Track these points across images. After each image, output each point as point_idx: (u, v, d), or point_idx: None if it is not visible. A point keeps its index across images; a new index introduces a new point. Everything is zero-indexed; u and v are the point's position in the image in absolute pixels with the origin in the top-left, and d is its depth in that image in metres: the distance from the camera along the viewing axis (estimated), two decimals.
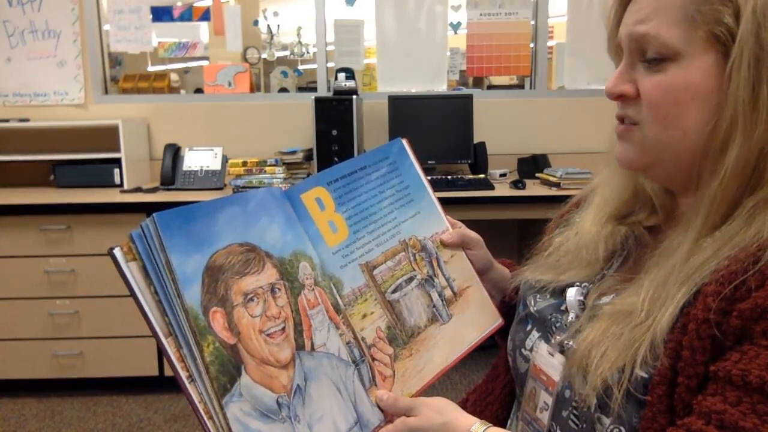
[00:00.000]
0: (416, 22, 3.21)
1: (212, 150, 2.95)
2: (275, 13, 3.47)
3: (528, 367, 0.80)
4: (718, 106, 0.63)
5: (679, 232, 0.68)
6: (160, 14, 3.23)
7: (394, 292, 0.82)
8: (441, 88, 3.25)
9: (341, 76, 2.96)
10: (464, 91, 3.34)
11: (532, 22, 3.22)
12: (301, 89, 3.49)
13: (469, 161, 3.02)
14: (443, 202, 0.92)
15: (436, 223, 0.90)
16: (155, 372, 2.64)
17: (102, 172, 2.91)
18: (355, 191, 0.83)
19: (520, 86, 3.55)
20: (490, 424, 0.69)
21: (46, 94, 3.19)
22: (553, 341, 0.76)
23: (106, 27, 3.23)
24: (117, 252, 0.62)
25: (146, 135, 3.18)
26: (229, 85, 3.24)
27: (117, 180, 2.91)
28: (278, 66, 3.48)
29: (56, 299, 2.61)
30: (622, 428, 0.64)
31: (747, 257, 0.59)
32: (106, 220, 2.57)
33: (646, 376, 0.62)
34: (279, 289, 0.70)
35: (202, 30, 3.30)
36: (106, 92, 3.27)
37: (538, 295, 0.83)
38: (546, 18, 3.21)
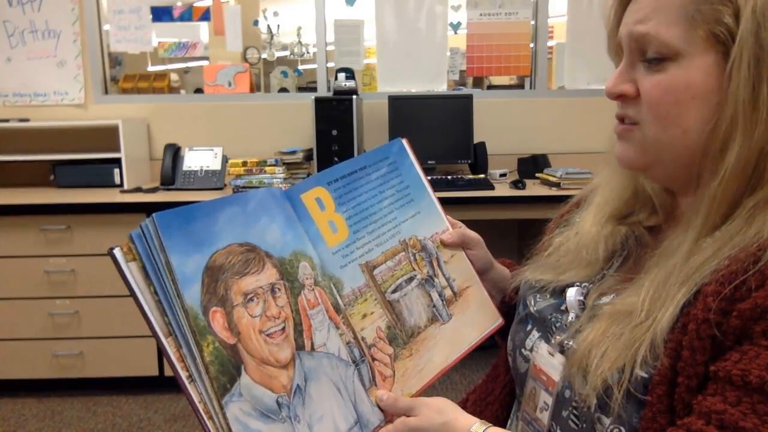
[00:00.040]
0: (416, 22, 3.21)
1: (212, 150, 2.95)
2: (275, 13, 3.47)
3: (528, 367, 0.80)
4: (719, 106, 0.63)
5: (679, 232, 0.68)
6: (160, 14, 3.23)
7: (394, 292, 0.82)
8: (441, 88, 3.25)
9: (341, 76, 2.96)
10: (464, 91, 3.34)
11: (532, 22, 3.23)
12: (301, 89, 3.49)
13: (469, 161, 3.02)
14: (443, 202, 0.92)
15: (436, 223, 0.90)
16: (155, 372, 2.65)
17: (102, 172, 2.91)
18: (355, 191, 0.83)
19: (519, 86, 3.55)
20: (490, 424, 0.69)
21: (46, 94, 3.19)
22: (553, 341, 0.76)
23: (106, 27, 3.23)
24: (117, 252, 0.62)
25: (146, 135, 3.18)
26: (229, 85, 3.24)
27: (117, 180, 2.91)
28: (278, 66, 3.48)
29: (56, 299, 2.61)
30: (622, 428, 0.64)
31: (747, 257, 0.59)
32: (106, 220, 2.57)
33: (646, 376, 0.62)
34: (279, 289, 0.70)
35: (202, 30, 3.30)
36: (106, 92, 3.27)
37: (538, 295, 0.83)
38: (546, 18, 3.21)
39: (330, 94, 2.98)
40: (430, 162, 2.98)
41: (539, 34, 3.23)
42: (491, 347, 0.97)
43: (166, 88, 3.36)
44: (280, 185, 2.68)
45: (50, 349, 2.63)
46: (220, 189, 2.86)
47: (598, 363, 0.64)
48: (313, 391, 0.70)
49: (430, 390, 0.79)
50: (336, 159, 2.83)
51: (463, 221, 0.95)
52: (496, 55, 3.23)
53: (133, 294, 0.62)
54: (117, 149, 2.87)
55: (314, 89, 3.30)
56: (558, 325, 0.77)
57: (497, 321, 0.92)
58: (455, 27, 3.26)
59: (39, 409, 2.60)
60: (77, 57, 3.17)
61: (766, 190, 0.62)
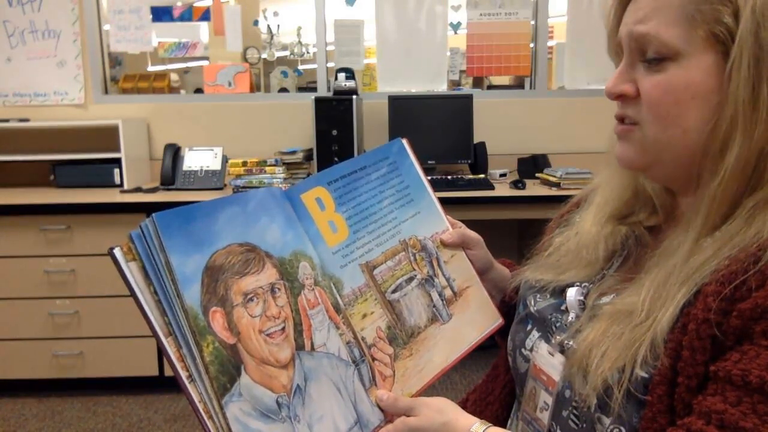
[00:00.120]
0: (416, 22, 3.21)
1: (212, 150, 2.95)
2: (275, 13, 3.47)
3: (528, 367, 0.80)
4: (718, 106, 0.63)
5: (679, 232, 0.68)
6: (160, 14, 3.23)
7: (394, 291, 0.82)
8: (441, 88, 3.25)
9: (341, 76, 2.96)
10: (464, 91, 3.34)
11: (532, 22, 3.23)
12: (301, 89, 3.50)
13: (469, 161, 3.02)
14: (443, 202, 0.92)
15: (436, 222, 0.90)
16: (155, 372, 2.65)
17: (102, 172, 2.91)
18: (355, 191, 0.83)
19: (517, 86, 3.55)
20: (490, 424, 0.69)
21: (46, 94, 3.19)
22: (553, 341, 0.76)
23: (106, 27, 3.23)
24: (117, 252, 0.62)
25: (146, 135, 3.18)
26: (229, 85, 3.24)
27: (117, 180, 2.91)
28: (278, 66, 3.48)
29: (56, 299, 2.61)
30: (622, 428, 0.64)
31: (747, 257, 0.59)
32: (106, 220, 2.57)
33: (646, 376, 0.62)
34: (279, 289, 0.70)
35: (202, 30, 3.30)
36: (106, 92, 3.27)
37: (538, 295, 0.83)
38: (546, 18, 3.21)
39: (330, 94, 2.98)
40: (430, 162, 2.98)
41: (539, 34, 3.23)
42: (491, 347, 0.97)
43: (166, 88, 3.36)
44: (280, 185, 2.68)
45: (50, 349, 2.63)
46: (220, 189, 2.86)
47: (599, 363, 0.64)
48: (313, 391, 0.70)
49: (430, 390, 0.79)
50: (336, 159, 2.83)
51: (463, 221, 0.95)
52: (496, 55, 3.23)
53: (133, 294, 0.62)
54: (117, 149, 2.87)
55: (314, 89, 3.30)
56: (558, 325, 0.77)
57: (497, 321, 0.92)
58: (455, 27, 3.26)
59: (39, 409, 2.60)
60: (77, 57, 3.17)
61: (766, 190, 0.62)
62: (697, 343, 0.59)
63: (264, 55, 3.50)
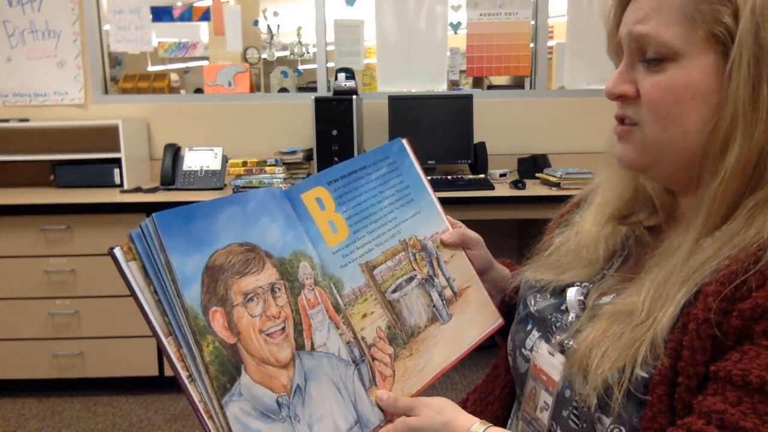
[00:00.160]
0: (416, 22, 3.21)
1: (212, 150, 2.95)
2: (275, 13, 3.47)
3: (528, 366, 0.80)
4: (718, 106, 0.63)
5: (679, 232, 0.68)
6: (160, 14, 3.23)
7: (394, 291, 0.82)
8: (441, 88, 3.25)
9: (341, 76, 2.96)
10: (464, 91, 3.34)
11: (532, 22, 3.23)
12: (301, 89, 3.50)
13: (469, 161, 3.02)
14: (443, 202, 0.92)
15: (436, 222, 0.90)
16: (155, 372, 2.65)
17: (102, 172, 2.91)
18: (356, 191, 0.83)
19: (514, 86, 3.55)
20: (490, 424, 0.69)
21: (46, 94, 3.19)
22: (553, 341, 0.76)
23: (106, 27, 3.23)
24: (117, 251, 0.62)
25: (146, 135, 3.18)
26: (229, 85, 3.24)
27: (117, 180, 2.91)
28: (278, 66, 3.48)
29: (56, 299, 2.61)
30: (622, 428, 0.63)
31: (747, 257, 0.59)
32: (106, 220, 2.57)
33: (646, 375, 0.62)
34: (279, 289, 0.70)
35: (202, 30, 3.30)
36: (106, 92, 3.27)
37: (539, 295, 0.83)
38: (546, 18, 3.21)
39: (330, 94, 2.98)
40: (430, 162, 2.99)
41: (539, 34, 3.23)
42: (491, 347, 0.97)
43: (166, 88, 3.36)
44: (280, 185, 2.68)
45: (50, 349, 2.63)
46: (220, 189, 2.86)
47: (599, 363, 0.64)
48: (313, 390, 0.70)
49: (430, 390, 0.79)
50: (336, 159, 2.83)
51: (463, 221, 0.95)
52: (496, 55, 3.23)
53: (133, 293, 0.62)
54: (117, 149, 2.87)
55: (314, 89, 3.30)
56: (558, 324, 0.77)
57: (497, 321, 0.92)
58: (455, 27, 3.26)
59: (39, 409, 2.60)
60: (77, 57, 3.17)
61: (767, 190, 0.62)
62: (697, 343, 0.59)
63: (264, 55, 3.50)
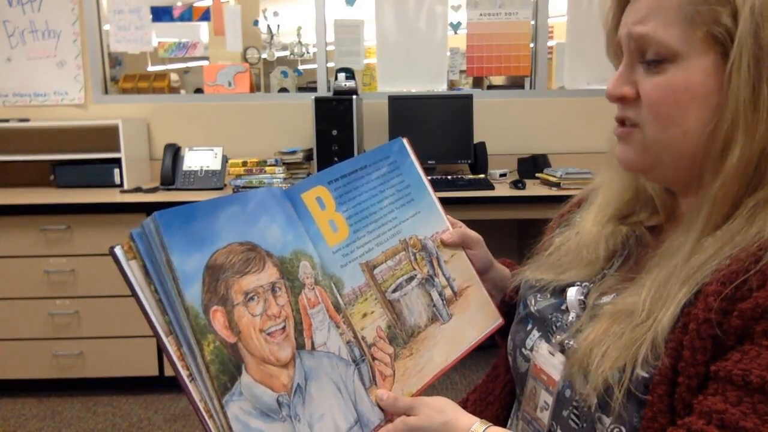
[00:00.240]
0: (416, 22, 3.21)
1: (212, 150, 2.95)
2: (275, 13, 3.47)
3: (528, 366, 0.80)
4: (718, 107, 0.62)
5: (680, 232, 0.68)
6: (160, 14, 3.24)
7: (394, 291, 0.82)
8: (441, 88, 3.25)
9: (341, 76, 2.96)
10: (464, 91, 3.34)
11: (532, 22, 3.23)
12: (301, 89, 3.50)
13: (469, 161, 3.02)
14: (443, 202, 0.92)
15: (436, 222, 0.90)
16: (155, 372, 2.65)
17: (102, 172, 2.91)
18: (356, 190, 0.83)
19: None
20: (490, 424, 0.69)
21: (46, 94, 3.19)
22: (553, 341, 0.76)
23: (106, 27, 3.23)
24: (118, 250, 0.62)
25: (146, 135, 3.18)
26: (229, 85, 3.24)
27: (117, 180, 2.91)
28: (278, 66, 3.48)
29: (56, 299, 2.61)
30: (622, 428, 0.63)
31: (748, 257, 0.59)
32: (106, 220, 2.57)
33: (646, 375, 0.62)
34: (279, 288, 0.70)
35: (202, 30, 3.30)
36: (106, 92, 3.27)
37: (539, 295, 0.83)
38: (546, 18, 3.21)
39: (330, 94, 2.98)
40: (430, 162, 2.99)
41: (539, 34, 3.23)
42: (491, 347, 0.97)
43: (166, 88, 3.36)
44: (280, 185, 2.68)
45: (50, 349, 2.63)
46: (220, 189, 2.86)
47: (599, 362, 0.64)
48: (314, 390, 0.70)
49: (430, 390, 0.79)
50: (336, 159, 2.83)
51: (463, 221, 0.95)
52: (496, 55, 3.23)
53: (133, 292, 0.62)
54: (117, 149, 2.87)
55: (314, 89, 3.30)
56: (558, 324, 0.77)
57: (497, 321, 0.92)
58: (455, 27, 3.26)
59: (39, 409, 2.60)
60: (77, 57, 3.17)
61: (767, 190, 0.62)
62: (697, 343, 0.59)
63: (264, 55, 3.50)
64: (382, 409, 0.74)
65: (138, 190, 2.84)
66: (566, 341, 0.73)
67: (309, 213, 0.77)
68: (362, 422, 0.73)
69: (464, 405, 0.92)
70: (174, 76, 3.49)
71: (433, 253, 0.88)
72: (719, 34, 0.61)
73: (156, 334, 0.63)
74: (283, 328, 0.69)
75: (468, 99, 3.01)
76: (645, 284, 0.66)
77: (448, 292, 0.87)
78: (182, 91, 3.56)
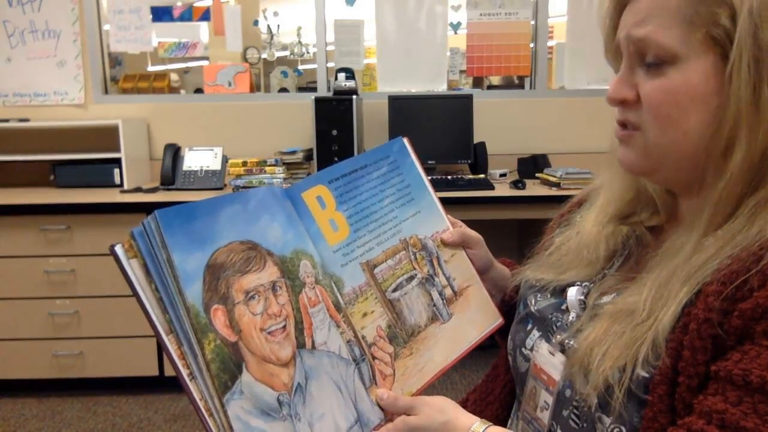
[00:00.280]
0: (416, 22, 3.21)
1: (212, 150, 2.95)
2: (275, 13, 3.48)
3: (528, 366, 0.80)
4: (719, 108, 0.62)
5: (681, 232, 0.68)
6: (160, 14, 3.24)
7: (394, 290, 0.82)
8: (441, 88, 3.25)
9: (341, 76, 2.96)
10: (464, 91, 3.34)
11: (532, 22, 3.23)
12: (301, 89, 3.50)
13: (469, 161, 3.02)
14: (443, 202, 0.92)
15: (436, 222, 0.90)
16: (155, 372, 2.64)
17: (102, 172, 2.91)
18: (356, 190, 0.83)
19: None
20: (490, 423, 0.69)
21: (46, 94, 3.19)
22: (553, 340, 0.76)
23: (106, 27, 3.23)
24: (118, 249, 0.62)
25: (146, 135, 3.18)
26: (229, 85, 3.24)
27: (117, 180, 2.91)
28: (278, 66, 3.48)
29: (56, 299, 2.61)
30: (622, 428, 0.63)
31: (749, 256, 0.59)
32: (106, 220, 2.57)
33: (647, 375, 0.62)
34: (280, 287, 0.70)
35: (202, 30, 3.30)
36: (106, 92, 3.27)
37: (539, 295, 0.83)
38: (546, 18, 3.21)
39: (330, 94, 2.98)
40: (430, 162, 2.99)
41: (539, 34, 3.23)
42: (491, 347, 0.97)
43: (166, 88, 3.36)
44: (280, 185, 2.68)
45: (50, 349, 2.63)
46: (220, 189, 2.86)
47: (600, 361, 0.64)
48: (314, 389, 0.70)
49: (430, 389, 0.79)
50: (336, 159, 2.83)
51: (463, 221, 0.95)
52: (496, 55, 3.23)
53: (134, 291, 0.62)
54: (117, 149, 2.87)
55: (314, 89, 3.30)
56: (559, 324, 0.77)
57: (497, 320, 0.92)
58: (455, 27, 3.26)
59: (39, 409, 2.60)
60: (77, 57, 3.17)
61: None
62: (698, 343, 0.59)
63: (264, 55, 3.50)
64: (382, 409, 0.75)
65: (138, 190, 2.84)
66: (566, 341, 0.73)
67: (309, 212, 0.77)
68: (362, 421, 0.73)
69: (464, 405, 0.92)
70: (174, 76, 3.49)
71: (434, 252, 0.88)
72: (718, 35, 0.61)
73: (156, 333, 0.63)
74: (284, 327, 0.69)
75: (468, 99, 3.02)
76: (646, 284, 0.66)
77: (448, 291, 0.87)
78: (182, 91, 3.56)
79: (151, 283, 0.63)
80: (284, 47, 3.53)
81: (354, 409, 0.72)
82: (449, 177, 2.82)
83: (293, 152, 2.94)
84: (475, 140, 3.02)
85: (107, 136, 2.93)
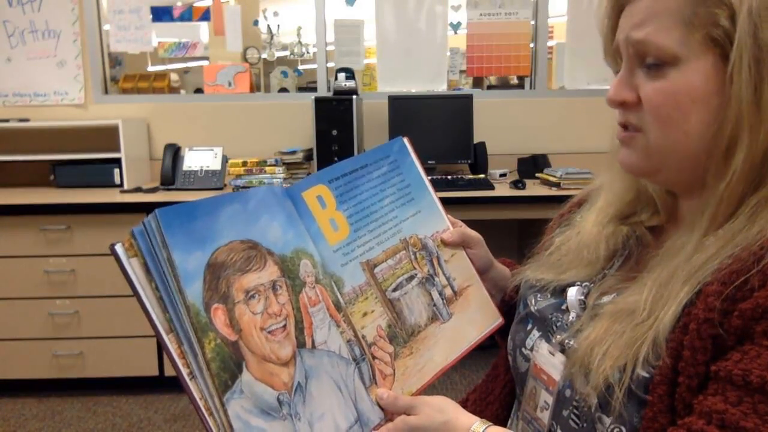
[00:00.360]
0: (416, 22, 3.21)
1: (212, 150, 2.95)
2: (275, 13, 3.48)
3: (528, 366, 0.80)
4: (720, 108, 0.62)
5: (682, 232, 0.68)
6: (160, 14, 3.24)
7: (394, 290, 0.82)
8: (441, 88, 3.26)
9: (341, 76, 2.96)
10: (464, 91, 3.34)
11: (532, 22, 3.23)
12: (301, 89, 3.50)
13: (469, 161, 3.02)
14: (443, 201, 0.92)
15: (436, 221, 0.90)
16: (155, 372, 2.64)
17: (102, 172, 2.91)
18: (357, 189, 0.83)
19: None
20: (490, 423, 0.69)
21: (46, 94, 3.19)
22: (553, 340, 0.76)
23: (106, 27, 3.23)
24: (119, 248, 0.62)
25: (146, 135, 3.18)
26: (229, 85, 3.24)
27: (117, 180, 2.91)
28: (278, 66, 3.48)
29: (56, 299, 2.61)
30: (622, 428, 0.63)
31: (749, 256, 0.59)
32: (106, 220, 2.57)
33: (647, 375, 0.62)
34: (280, 287, 0.70)
35: (202, 30, 3.30)
36: (106, 92, 3.27)
37: (539, 295, 0.83)
38: (546, 18, 3.21)
39: (330, 94, 2.98)
40: (430, 162, 2.99)
41: (539, 34, 3.23)
42: (491, 347, 0.97)
43: (166, 88, 3.36)
44: (281, 185, 2.68)
45: (50, 349, 2.63)
46: (220, 189, 2.86)
47: (600, 361, 0.64)
48: (314, 388, 0.70)
49: (430, 389, 0.79)
50: (336, 159, 2.83)
51: (463, 221, 0.95)
52: (496, 55, 3.23)
53: (134, 290, 0.62)
54: (117, 149, 2.87)
55: (314, 89, 3.30)
56: (559, 324, 0.77)
57: (497, 320, 0.92)
58: (455, 27, 3.26)
59: (39, 409, 2.60)
60: (77, 57, 3.18)
61: None
62: (698, 343, 0.58)
63: (264, 55, 3.50)
64: (382, 408, 0.75)
65: (138, 190, 2.84)
66: (566, 341, 0.73)
67: (310, 211, 0.77)
68: (362, 421, 0.73)
69: (464, 405, 0.92)
70: (174, 76, 3.49)
71: (434, 252, 0.88)
72: (718, 36, 0.61)
73: (156, 332, 0.63)
74: (284, 326, 0.69)
75: (468, 99, 3.02)
76: (646, 283, 0.66)
77: (448, 291, 0.87)
78: (182, 91, 3.56)
79: (152, 282, 0.63)
80: (284, 47, 3.53)
81: (354, 408, 0.72)
82: (449, 177, 2.82)
83: (293, 152, 2.94)
84: (475, 140, 3.02)
85: (107, 136, 2.93)
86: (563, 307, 0.78)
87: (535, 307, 0.82)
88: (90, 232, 2.58)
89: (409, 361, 0.80)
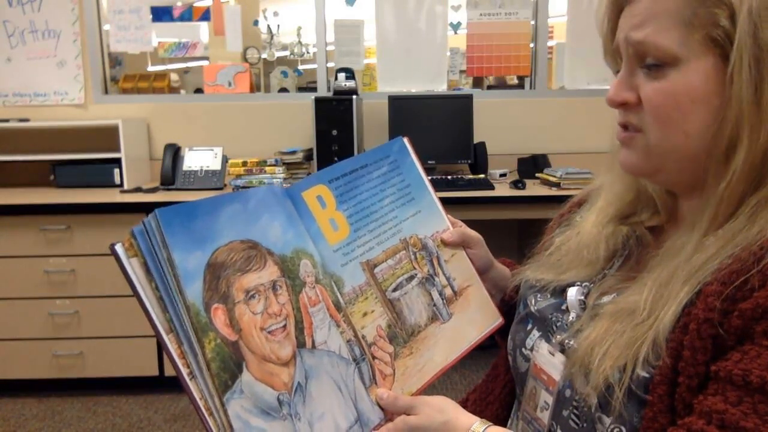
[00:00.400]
0: (416, 22, 3.21)
1: (212, 150, 2.95)
2: (275, 13, 3.48)
3: (528, 366, 0.80)
4: (720, 108, 0.62)
5: (682, 232, 0.68)
6: (160, 14, 3.24)
7: (394, 290, 0.82)
8: (441, 88, 3.26)
9: (341, 76, 2.96)
10: (464, 91, 3.34)
11: (532, 22, 3.23)
12: (301, 89, 3.50)
13: (469, 161, 3.02)
14: (443, 201, 0.92)
15: (436, 221, 0.90)
16: (155, 372, 2.64)
17: (102, 172, 2.91)
18: (357, 189, 0.83)
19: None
20: (490, 423, 0.69)
21: (46, 94, 3.19)
22: (553, 340, 0.76)
23: (106, 27, 3.23)
24: (118, 248, 0.62)
25: (146, 135, 3.18)
26: (229, 85, 3.24)
27: (117, 180, 2.91)
28: (278, 66, 3.48)
29: (56, 299, 2.61)
30: (622, 428, 0.63)
31: (749, 256, 0.59)
32: (106, 220, 2.57)
33: (647, 375, 0.62)
34: (280, 287, 0.70)
35: (202, 30, 3.30)
36: (106, 92, 3.27)
37: (539, 295, 0.83)
38: (546, 18, 3.21)
39: (330, 94, 2.98)
40: (430, 162, 2.99)
41: (539, 34, 3.23)
42: (491, 347, 0.97)
43: (166, 88, 3.36)
44: (281, 185, 2.68)
45: (50, 349, 2.63)
46: (220, 189, 2.86)
47: (600, 361, 0.64)
48: (314, 388, 0.70)
49: (430, 389, 0.79)
50: (336, 159, 2.83)
51: (463, 221, 0.95)
52: (496, 55, 3.23)
53: (134, 290, 0.62)
54: (117, 149, 2.87)
55: (314, 89, 3.30)
56: (559, 324, 0.77)
57: (497, 320, 0.92)
58: (455, 27, 3.26)
59: (39, 409, 2.60)
60: (77, 57, 3.17)
61: None
62: (698, 343, 0.58)
63: (264, 55, 3.50)
64: (382, 408, 0.74)
65: (138, 190, 2.84)
66: (566, 341, 0.73)
67: (310, 211, 0.77)
68: (362, 421, 0.73)
69: (464, 405, 0.92)
70: (174, 76, 3.49)
71: (434, 252, 0.88)
72: (718, 36, 0.61)
73: (156, 332, 0.63)
74: (284, 326, 0.69)
75: (468, 99, 3.02)
76: (646, 283, 0.66)
77: (448, 291, 0.87)
78: (182, 91, 3.56)
79: (152, 281, 0.63)
80: (284, 47, 3.53)
81: (354, 408, 0.72)
82: (449, 177, 2.82)
83: (293, 152, 2.94)
84: (475, 140, 3.02)
85: (107, 136, 2.93)
86: (563, 307, 0.78)
87: (535, 307, 0.82)
88: (90, 232, 2.58)
89: (409, 361, 0.80)
